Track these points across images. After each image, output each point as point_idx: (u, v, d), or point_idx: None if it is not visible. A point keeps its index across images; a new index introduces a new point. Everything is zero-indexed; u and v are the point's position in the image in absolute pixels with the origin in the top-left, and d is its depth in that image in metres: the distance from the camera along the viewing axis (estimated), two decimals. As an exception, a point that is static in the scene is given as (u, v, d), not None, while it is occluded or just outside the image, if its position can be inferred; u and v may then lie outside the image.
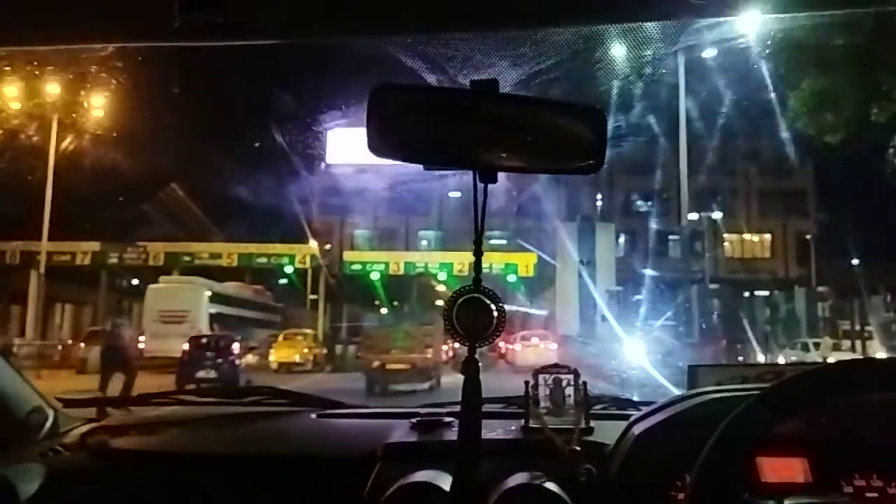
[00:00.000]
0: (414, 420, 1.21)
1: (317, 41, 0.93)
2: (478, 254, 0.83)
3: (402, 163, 0.88)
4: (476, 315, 0.78)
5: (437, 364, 14.33)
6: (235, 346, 15.27)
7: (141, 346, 19.96)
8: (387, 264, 29.56)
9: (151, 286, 21.24)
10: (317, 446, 1.22)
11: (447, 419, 1.20)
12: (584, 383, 1.13)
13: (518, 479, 0.95)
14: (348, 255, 31.06)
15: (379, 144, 0.81)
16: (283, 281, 29.33)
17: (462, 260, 28.96)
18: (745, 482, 0.94)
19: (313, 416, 1.35)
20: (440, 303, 35.50)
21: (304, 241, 28.75)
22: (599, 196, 30.89)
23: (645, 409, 1.09)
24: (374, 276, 28.89)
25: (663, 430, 1.00)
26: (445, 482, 0.93)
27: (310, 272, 29.17)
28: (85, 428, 1.24)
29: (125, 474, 1.11)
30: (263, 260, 29.01)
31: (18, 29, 0.85)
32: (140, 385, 12.77)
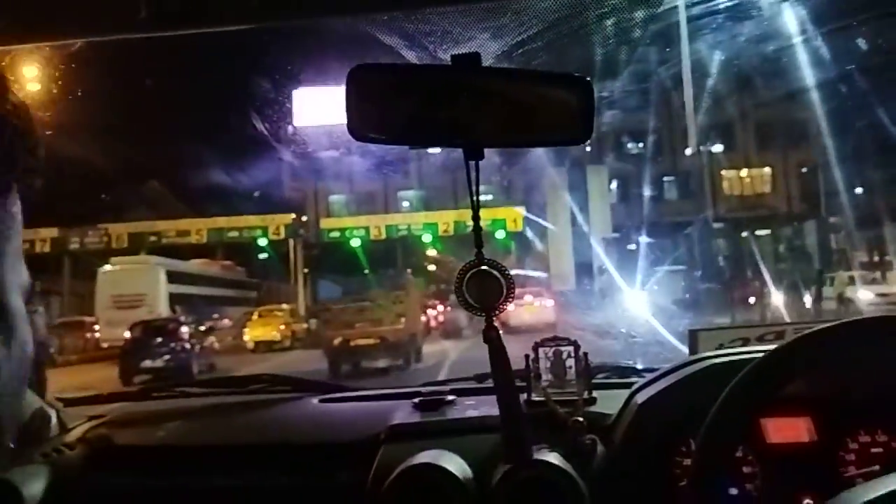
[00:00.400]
0: (416, 400, 1.27)
1: (290, 24, 0.93)
2: (476, 229, 0.87)
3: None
4: (485, 286, 0.84)
5: (414, 335, 13.45)
6: (184, 330, 14.58)
7: (96, 334, 19.55)
8: (367, 229, 29.47)
9: (102, 269, 20.32)
10: (320, 432, 1.28)
11: (450, 397, 1.27)
12: (585, 354, 1.19)
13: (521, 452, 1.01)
14: (325, 223, 30.89)
15: (360, 127, 0.82)
16: (264, 256, 29.11)
17: (446, 219, 28.93)
18: (750, 444, 1.00)
19: (315, 401, 1.41)
20: (434, 268, 35.36)
21: (276, 211, 28.54)
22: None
23: (647, 377, 1.15)
24: (355, 242, 28.83)
25: (666, 397, 1.06)
26: (450, 461, 0.99)
27: (290, 244, 29.01)
28: (86, 426, 1.29)
29: (129, 470, 1.17)
30: (234, 234, 28.76)
31: None
32: (96, 377, 12.74)
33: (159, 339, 14.01)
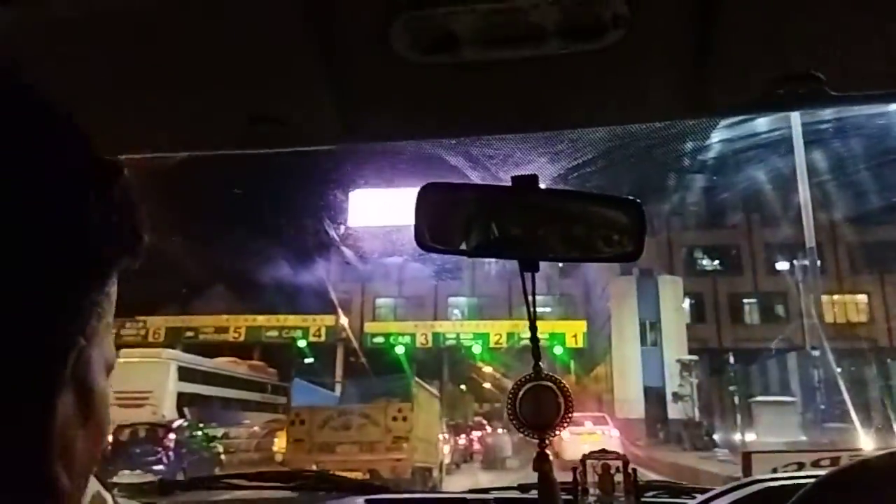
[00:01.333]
0: None
1: (370, 143, 1.16)
2: (534, 340, 0.96)
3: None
4: (540, 405, 0.89)
5: (426, 468, 11.30)
6: (171, 438, 13.85)
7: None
8: (413, 336, 29.60)
9: None
10: None
11: None
12: (635, 470, 1.26)
13: None
14: (370, 327, 31.25)
15: (427, 239, 1.00)
16: (303, 359, 29.15)
17: (498, 330, 28.70)
18: None
19: (360, 501, 1.51)
20: (488, 387, 34.06)
21: (322, 313, 29.09)
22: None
23: (700, 497, 1.22)
24: (399, 349, 28.82)
25: None
26: None
27: (339, 349, 29.11)
28: None
29: None
30: (273, 333, 29.29)
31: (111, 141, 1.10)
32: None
33: (141, 447, 13.23)
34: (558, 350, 27.29)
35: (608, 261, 1.07)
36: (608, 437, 17.11)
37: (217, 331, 28.74)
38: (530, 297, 0.97)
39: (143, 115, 1.02)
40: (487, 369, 32.67)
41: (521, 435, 0.95)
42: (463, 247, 1.05)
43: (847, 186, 23.13)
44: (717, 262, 30.49)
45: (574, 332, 28.25)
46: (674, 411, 24.84)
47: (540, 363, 0.93)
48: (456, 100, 1.00)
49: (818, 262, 25.16)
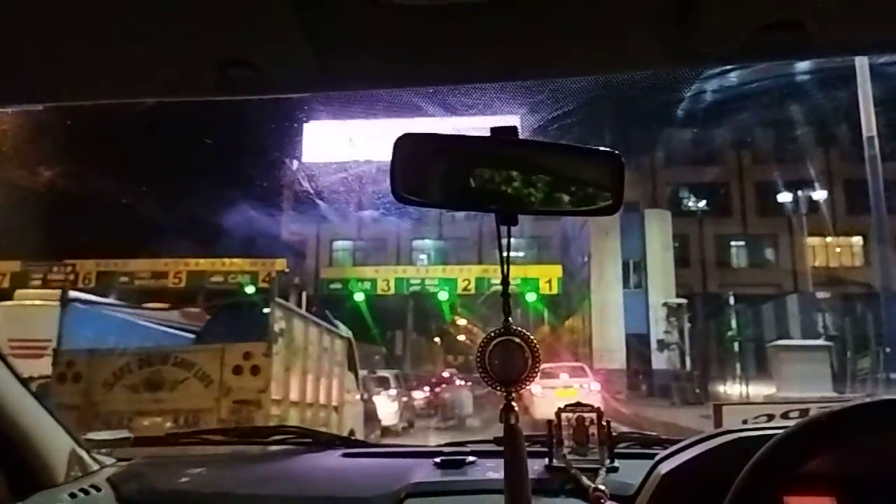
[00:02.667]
0: (438, 459, 1.50)
1: (345, 91, 1.21)
2: (505, 295, 1.05)
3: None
4: (509, 359, 0.98)
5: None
6: None
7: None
8: (373, 282, 29.82)
9: (1, 304, 18.06)
10: (341, 485, 1.50)
11: (470, 458, 1.50)
12: (608, 422, 1.41)
13: None
14: (326, 272, 31.37)
15: (402, 191, 1.08)
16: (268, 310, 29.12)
17: (467, 276, 29.02)
18: None
19: (337, 454, 1.67)
20: (463, 339, 33.79)
21: (273, 256, 28.97)
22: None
23: (671, 448, 1.36)
24: (358, 296, 29.09)
25: (690, 469, 1.25)
26: None
27: (292, 296, 29.10)
28: (113, 468, 1.55)
29: None
30: (219, 279, 29.16)
31: (57, 84, 1.14)
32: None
33: None
34: (531, 297, 27.43)
35: (587, 214, 1.14)
36: (587, 392, 16.04)
37: (155, 276, 28.50)
38: (504, 253, 1.06)
39: (108, 62, 1.06)
40: (462, 321, 33.06)
41: (487, 389, 1.04)
42: (440, 199, 1.13)
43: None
44: (704, 201, 30.80)
45: (548, 277, 28.46)
46: (658, 361, 24.48)
47: (510, 318, 1.02)
48: (435, 46, 1.06)
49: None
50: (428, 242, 34.44)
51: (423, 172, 1.06)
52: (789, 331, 20.18)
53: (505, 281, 1.05)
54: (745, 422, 1.44)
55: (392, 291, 29.72)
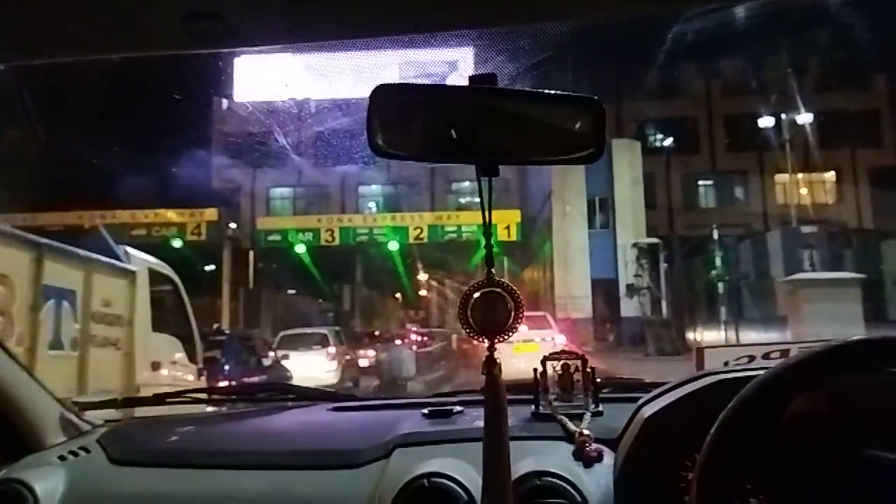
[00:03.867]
0: (426, 410, 1.63)
1: (315, 42, 1.26)
2: (488, 246, 1.13)
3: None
4: (491, 310, 1.07)
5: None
6: None
7: None
8: (316, 232, 29.64)
9: None
10: (331, 438, 1.63)
11: (458, 408, 1.64)
12: (593, 369, 1.56)
13: (528, 464, 1.34)
14: (263, 222, 31.07)
15: (379, 143, 1.13)
16: (211, 268, 28.52)
17: (419, 223, 28.92)
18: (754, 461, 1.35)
19: (325, 409, 1.80)
20: (424, 294, 33.52)
21: (202, 205, 28.52)
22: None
23: (654, 392, 1.51)
24: (300, 248, 29.01)
25: (672, 412, 1.38)
26: (460, 469, 1.32)
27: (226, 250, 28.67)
28: (103, 429, 1.65)
29: (144, 473, 1.49)
30: (140, 232, 28.60)
31: (19, 41, 1.18)
32: None
33: None
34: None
35: (569, 162, 1.22)
36: (550, 346, 13.85)
37: (68, 231, 27.75)
38: (486, 204, 1.13)
39: (70, 18, 1.10)
40: (423, 276, 33.09)
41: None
42: (418, 151, 1.19)
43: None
44: (671, 138, 31.20)
45: (507, 222, 28.23)
46: (628, 308, 24.35)
47: (493, 270, 1.09)
48: None
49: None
50: (376, 188, 34.28)
51: (401, 124, 1.12)
52: (771, 270, 20.22)
53: (487, 233, 1.13)
54: (726, 364, 1.59)
55: (337, 242, 29.58)
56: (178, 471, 1.48)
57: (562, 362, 1.56)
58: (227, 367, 12.94)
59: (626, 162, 26.85)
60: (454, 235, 28.50)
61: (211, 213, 29.01)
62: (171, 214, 28.88)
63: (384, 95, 1.09)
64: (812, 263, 18.87)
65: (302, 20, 1.16)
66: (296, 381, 10.83)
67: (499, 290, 1.08)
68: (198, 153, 27.48)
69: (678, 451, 1.33)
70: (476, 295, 1.07)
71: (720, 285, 21.78)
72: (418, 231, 28.96)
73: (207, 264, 28.93)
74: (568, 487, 1.29)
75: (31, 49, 1.19)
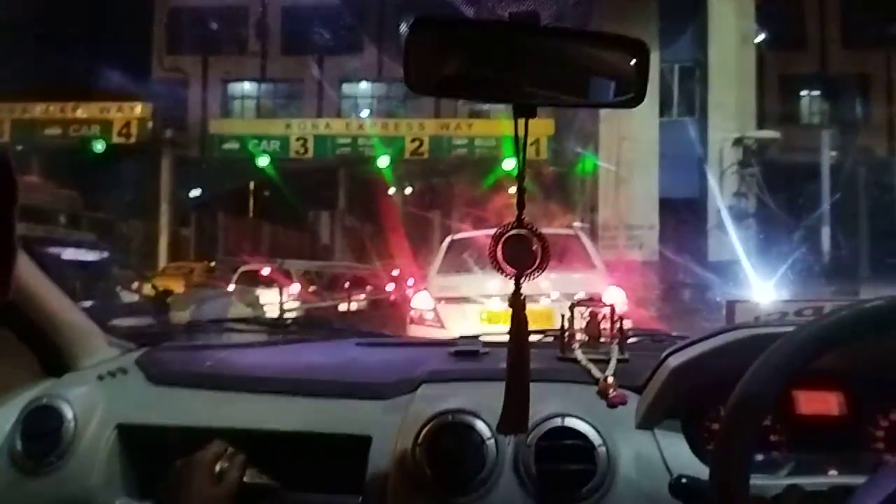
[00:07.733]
0: (452, 349, 2.11)
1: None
2: (520, 190, 1.46)
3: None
4: (519, 252, 1.36)
5: None
6: None
7: None
8: (284, 140, 29.38)
9: None
10: (360, 371, 2.09)
11: (484, 349, 2.10)
12: (621, 317, 1.99)
13: (551, 405, 1.73)
14: (217, 125, 30.74)
15: (418, 81, 1.42)
16: (106, 172, 28.57)
17: (419, 133, 28.50)
18: (779, 414, 1.76)
19: (352, 344, 2.32)
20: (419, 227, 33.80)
21: (133, 98, 28.48)
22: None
23: (681, 343, 1.91)
24: (263, 161, 28.86)
25: (699, 362, 1.74)
26: (483, 407, 1.73)
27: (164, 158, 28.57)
28: (139, 352, 2.14)
29: (181, 393, 1.95)
30: (54, 132, 28.55)
31: None
32: None
33: None
34: (508, 165, 26.12)
35: (609, 106, 1.53)
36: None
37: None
38: (521, 145, 1.40)
39: None
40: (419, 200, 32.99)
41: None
42: (455, 89, 1.52)
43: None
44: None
45: (536, 136, 26.52)
46: (718, 248, 19.70)
47: (523, 210, 1.38)
48: None
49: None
50: (364, 86, 34.04)
51: (438, 61, 1.39)
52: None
53: (521, 175, 1.45)
54: (756, 318, 2.00)
55: (311, 155, 29.33)
56: (215, 393, 1.94)
57: (590, 309, 2.02)
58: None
59: (732, 7, 21.54)
60: (464, 151, 28.27)
61: (145, 109, 28.83)
62: (93, 109, 28.74)
63: (422, 31, 1.36)
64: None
65: None
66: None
67: (527, 233, 1.40)
68: (131, 33, 27.41)
69: (703, 402, 1.73)
70: (505, 236, 1.38)
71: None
72: (417, 143, 28.57)
73: (145, 177, 29.03)
74: (590, 429, 1.67)
75: None
